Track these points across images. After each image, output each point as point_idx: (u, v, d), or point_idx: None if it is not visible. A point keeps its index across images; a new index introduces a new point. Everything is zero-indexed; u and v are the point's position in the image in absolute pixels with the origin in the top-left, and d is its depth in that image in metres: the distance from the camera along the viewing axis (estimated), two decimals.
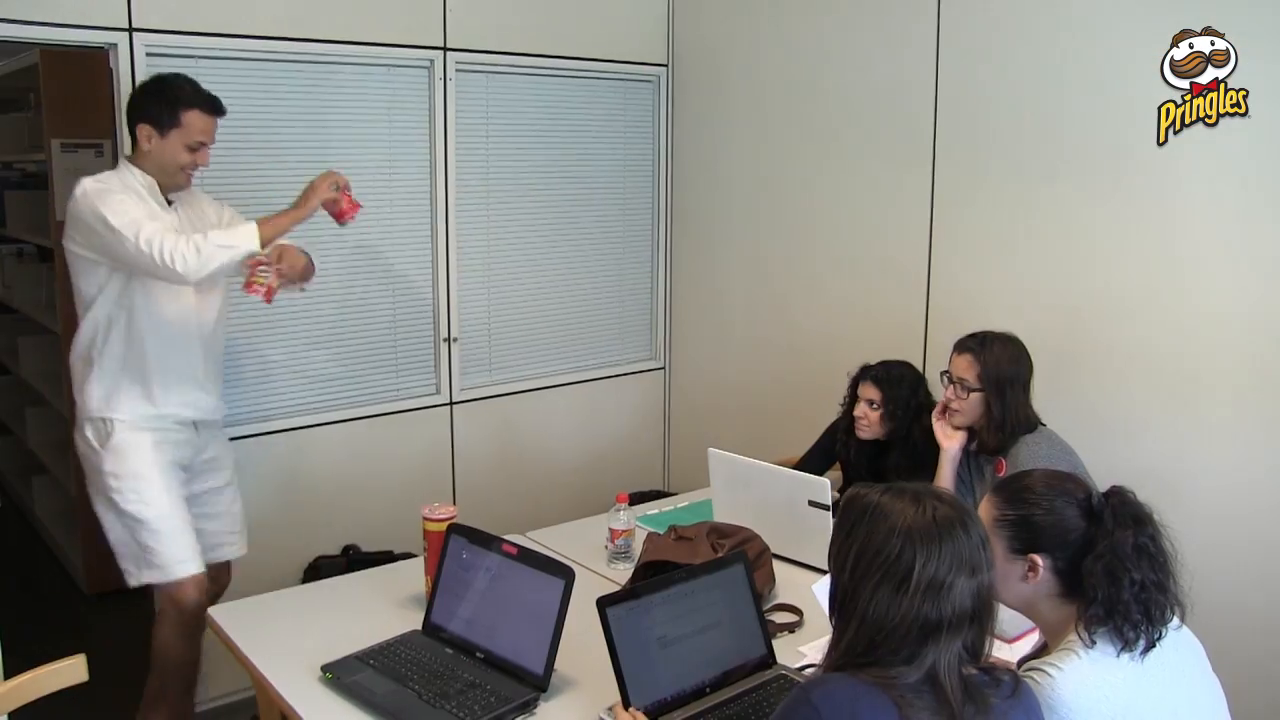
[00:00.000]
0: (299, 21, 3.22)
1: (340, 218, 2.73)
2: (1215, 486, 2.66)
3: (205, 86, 3.05)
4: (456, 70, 3.56)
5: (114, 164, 2.78)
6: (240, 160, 3.20)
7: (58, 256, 4.06)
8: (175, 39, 3.01)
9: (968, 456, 2.73)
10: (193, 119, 2.64)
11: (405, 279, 3.58)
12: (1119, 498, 1.66)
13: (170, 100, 2.64)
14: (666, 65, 4.15)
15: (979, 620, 1.40)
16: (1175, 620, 1.64)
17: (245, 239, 2.52)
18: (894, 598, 1.37)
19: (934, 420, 2.77)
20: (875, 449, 2.98)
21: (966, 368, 2.62)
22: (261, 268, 2.57)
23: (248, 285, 2.59)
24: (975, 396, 2.61)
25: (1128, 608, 1.58)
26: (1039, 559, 1.65)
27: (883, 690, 1.35)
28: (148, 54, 2.97)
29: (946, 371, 2.67)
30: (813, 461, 3.11)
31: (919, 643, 1.37)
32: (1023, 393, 2.60)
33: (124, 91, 2.94)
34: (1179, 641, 1.68)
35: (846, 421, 3.01)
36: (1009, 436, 2.58)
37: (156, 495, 2.68)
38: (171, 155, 2.64)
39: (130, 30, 2.94)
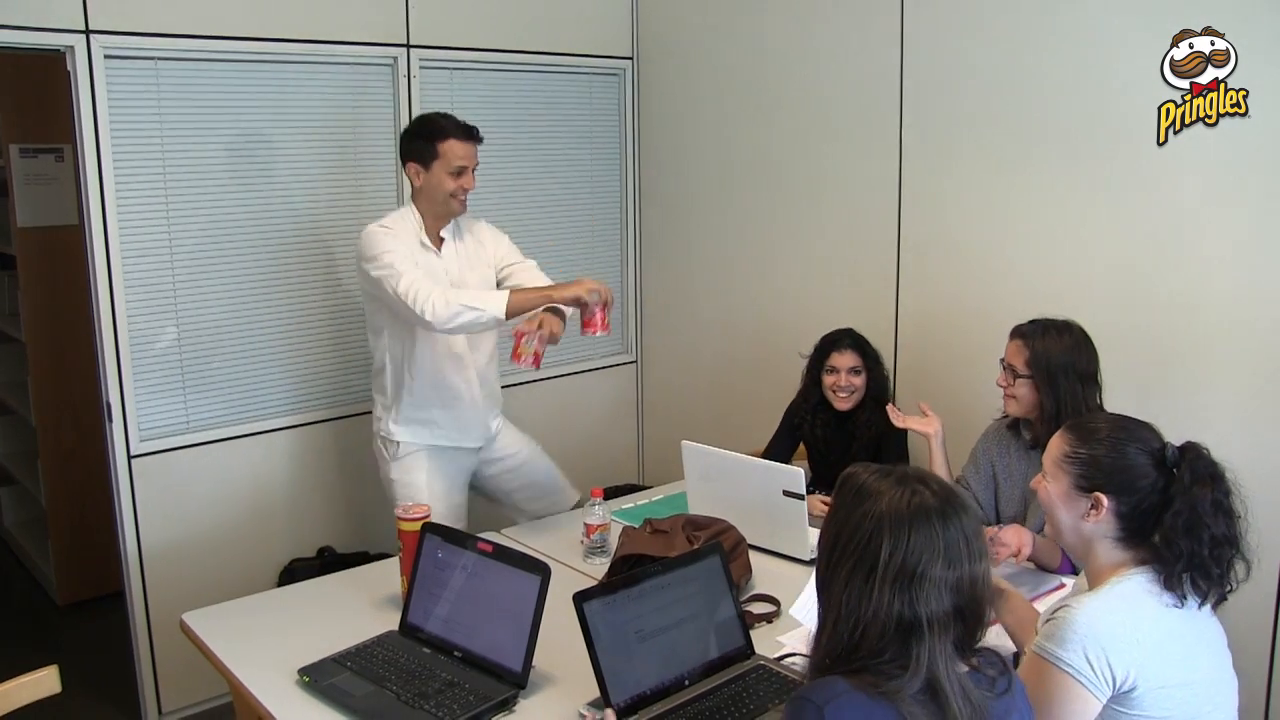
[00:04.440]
0: (260, 21, 3.19)
1: (585, 326, 2.80)
2: None
3: (166, 88, 3.07)
4: (420, 67, 3.54)
5: (75, 170, 2.78)
6: (203, 162, 3.17)
7: (20, 263, 4.02)
8: (134, 41, 2.98)
9: (1025, 451, 2.61)
10: (450, 147, 2.82)
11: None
12: (1195, 453, 1.69)
13: (427, 135, 2.84)
14: (632, 58, 4.14)
15: (964, 617, 1.35)
16: (1245, 577, 1.70)
17: (493, 306, 2.67)
18: (865, 587, 1.34)
19: (888, 409, 2.79)
20: (839, 420, 3.03)
21: (1016, 353, 2.53)
22: (525, 338, 2.73)
23: (515, 355, 2.75)
24: (1024, 384, 2.51)
25: (1205, 562, 1.63)
26: (1104, 498, 1.69)
27: (891, 705, 1.31)
28: (105, 56, 2.94)
29: (1003, 358, 2.59)
30: (780, 446, 3.13)
31: (901, 642, 1.33)
32: (1080, 384, 2.46)
33: (83, 94, 2.91)
34: (1209, 611, 1.73)
35: (816, 397, 3.04)
36: None
37: (425, 501, 2.76)
38: (438, 185, 2.83)
39: (87, 32, 2.90)
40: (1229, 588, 1.68)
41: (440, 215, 2.90)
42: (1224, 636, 1.76)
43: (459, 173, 2.83)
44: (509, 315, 2.69)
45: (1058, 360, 2.47)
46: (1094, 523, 1.71)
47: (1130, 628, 1.62)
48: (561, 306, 2.81)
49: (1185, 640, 1.66)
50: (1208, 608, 1.70)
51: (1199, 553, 1.63)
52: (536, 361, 2.75)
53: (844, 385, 2.98)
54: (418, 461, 2.99)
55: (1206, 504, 1.64)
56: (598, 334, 2.79)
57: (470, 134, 2.87)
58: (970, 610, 1.36)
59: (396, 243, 2.76)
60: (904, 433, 2.98)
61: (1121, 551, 1.71)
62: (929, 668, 1.32)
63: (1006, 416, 2.65)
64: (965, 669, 1.37)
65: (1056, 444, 1.77)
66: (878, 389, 3.02)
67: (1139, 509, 1.69)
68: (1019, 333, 2.56)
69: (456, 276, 2.89)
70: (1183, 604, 1.65)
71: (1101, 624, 1.61)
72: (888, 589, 1.33)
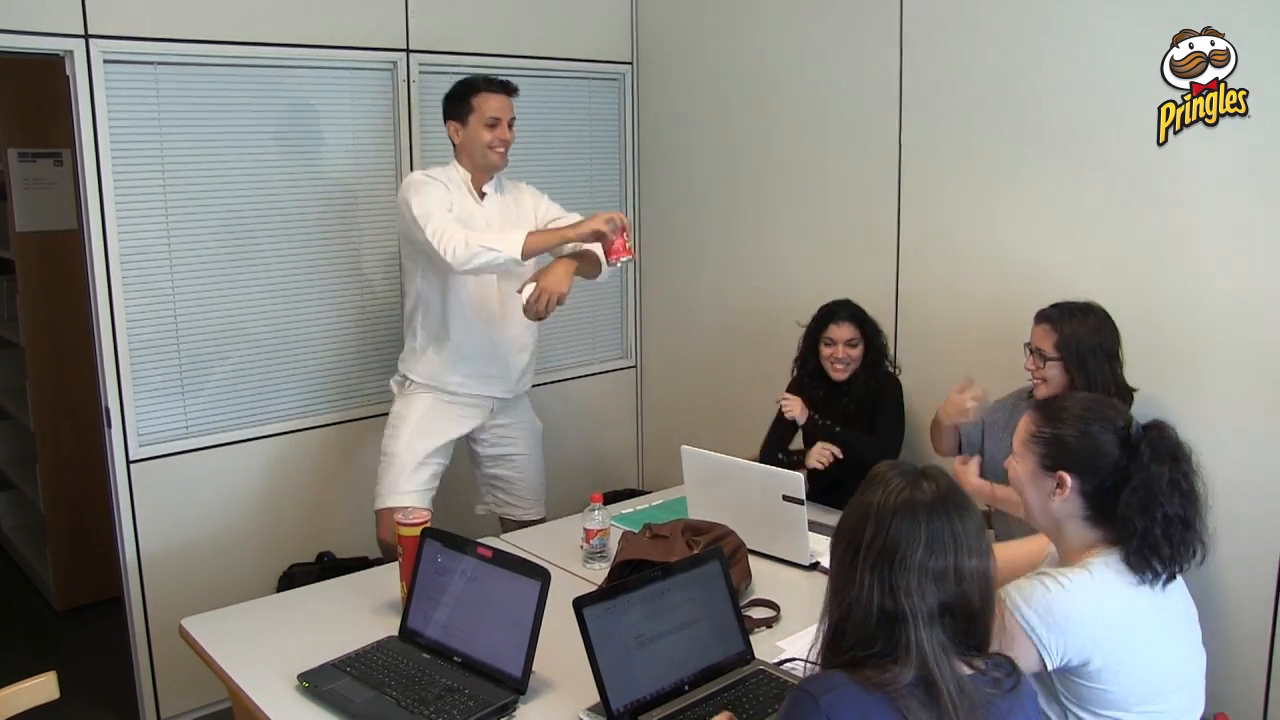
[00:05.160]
0: (259, 25, 3.19)
1: (609, 254, 2.87)
2: (1212, 482, 2.63)
3: (165, 93, 3.07)
4: (420, 72, 3.54)
5: (74, 174, 2.80)
6: (202, 167, 3.17)
7: (19, 268, 4.02)
8: (133, 45, 2.98)
9: None
10: (482, 100, 2.93)
11: (374, 283, 3.56)
12: (1158, 431, 1.71)
13: (461, 92, 2.96)
14: (631, 63, 4.14)
15: (952, 613, 1.36)
16: (1198, 558, 1.71)
17: (509, 246, 2.73)
18: (850, 570, 1.38)
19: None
20: (831, 392, 3.08)
21: (1044, 337, 2.55)
22: (529, 310, 2.82)
23: (527, 313, 2.85)
24: (1054, 366, 2.53)
25: (1157, 540, 1.65)
26: (1068, 478, 1.71)
27: (889, 700, 1.32)
28: (105, 61, 2.94)
29: (1028, 343, 2.61)
30: (778, 432, 3.16)
31: (887, 632, 1.34)
32: (1108, 363, 2.50)
33: (82, 99, 2.91)
34: (1180, 588, 1.76)
35: (812, 365, 3.10)
36: None
37: (404, 434, 3.03)
38: (475, 137, 2.94)
39: (86, 37, 2.90)
40: (1179, 567, 1.70)
41: (482, 168, 3.00)
42: (1194, 612, 1.79)
43: (493, 124, 2.93)
44: (525, 255, 2.75)
45: (1086, 342, 2.51)
46: (1060, 501, 1.73)
47: (1093, 608, 1.65)
48: (586, 245, 2.89)
49: (1150, 621, 1.70)
50: (1179, 585, 1.74)
51: (1151, 530, 1.65)
52: (543, 315, 2.84)
53: (840, 357, 3.03)
54: (420, 399, 3.08)
55: (1163, 482, 1.66)
56: (622, 260, 2.86)
57: (504, 86, 2.97)
58: (960, 606, 1.36)
59: (435, 187, 2.87)
60: (898, 397, 3.02)
61: (1090, 531, 1.74)
62: (919, 659, 1.33)
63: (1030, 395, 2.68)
64: (968, 671, 1.37)
65: (1025, 423, 1.80)
66: (875, 356, 3.07)
67: (1103, 488, 1.71)
68: (1044, 317, 2.58)
69: (498, 227, 2.96)
70: (1151, 583, 1.68)
71: (1067, 605, 1.64)
72: (869, 573, 1.36)
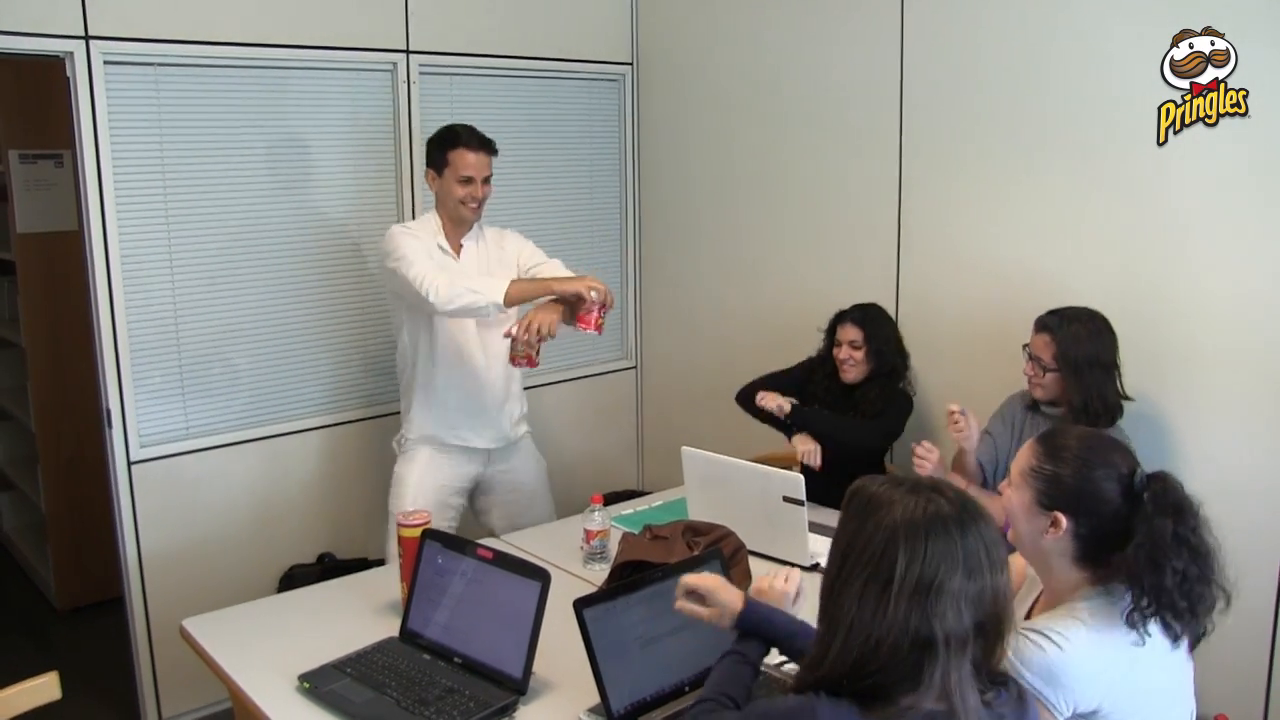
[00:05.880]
0: (259, 27, 3.19)
1: (578, 319, 2.80)
2: (1212, 484, 2.63)
3: (165, 94, 3.07)
4: (420, 73, 3.54)
5: (75, 175, 2.81)
6: (202, 167, 3.17)
7: (20, 269, 4.02)
8: (133, 46, 2.98)
9: (1038, 429, 2.58)
10: (459, 156, 2.93)
11: (374, 284, 3.55)
12: (1161, 484, 1.62)
13: (441, 144, 2.97)
14: (631, 64, 4.14)
15: (984, 633, 1.28)
16: (1220, 607, 1.61)
17: (493, 291, 2.76)
18: (879, 603, 1.26)
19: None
20: (845, 390, 3.10)
21: (1043, 347, 2.56)
22: (516, 342, 2.78)
23: (512, 359, 2.83)
24: (1053, 377, 2.55)
25: (1171, 597, 1.56)
26: (1063, 519, 1.64)
27: None
28: (105, 62, 2.94)
29: (1027, 345, 2.63)
30: (782, 382, 3.21)
31: (914, 662, 1.26)
32: (1104, 374, 2.52)
33: (82, 100, 2.92)
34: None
35: (830, 365, 3.12)
36: (1091, 423, 2.44)
37: (408, 496, 3.01)
38: (449, 191, 2.96)
39: (87, 38, 2.91)
40: (1204, 630, 1.61)
41: (456, 221, 3.00)
42: (1190, 672, 1.71)
43: (467, 181, 2.93)
44: (509, 303, 2.76)
45: (1084, 353, 2.52)
46: (1052, 540, 1.66)
47: (1095, 660, 1.58)
48: (560, 300, 2.82)
49: (1145, 655, 1.62)
50: (1181, 649, 1.65)
51: (1165, 588, 1.56)
52: (530, 362, 2.81)
53: (844, 358, 3.06)
54: (417, 456, 3.07)
55: (1167, 536, 1.57)
56: (589, 331, 2.79)
57: (483, 145, 2.96)
58: (991, 626, 1.29)
59: (413, 239, 2.88)
60: (905, 413, 3.01)
61: (1078, 571, 1.67)
62: (943, 689, 1.26)
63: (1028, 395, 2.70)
64: (981, 698, 1.31)
65: (1026, 454, 1.73)
66: (881, 366, 3.05)
67: (1099, 533, 1.63)
68: (1044, 325, 2.59)
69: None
70: (1143, 643, 1.58)
71: (1068, 665, 1.56)
72: (904, 603, 1.25)
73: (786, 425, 3.05)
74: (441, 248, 2.96)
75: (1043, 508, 1.67)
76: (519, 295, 2.79)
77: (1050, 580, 1.73)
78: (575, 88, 4.04)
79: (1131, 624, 1.58)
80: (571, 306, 2.82)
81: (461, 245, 3.02)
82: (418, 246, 2.86)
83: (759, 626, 1.67)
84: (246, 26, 3.17)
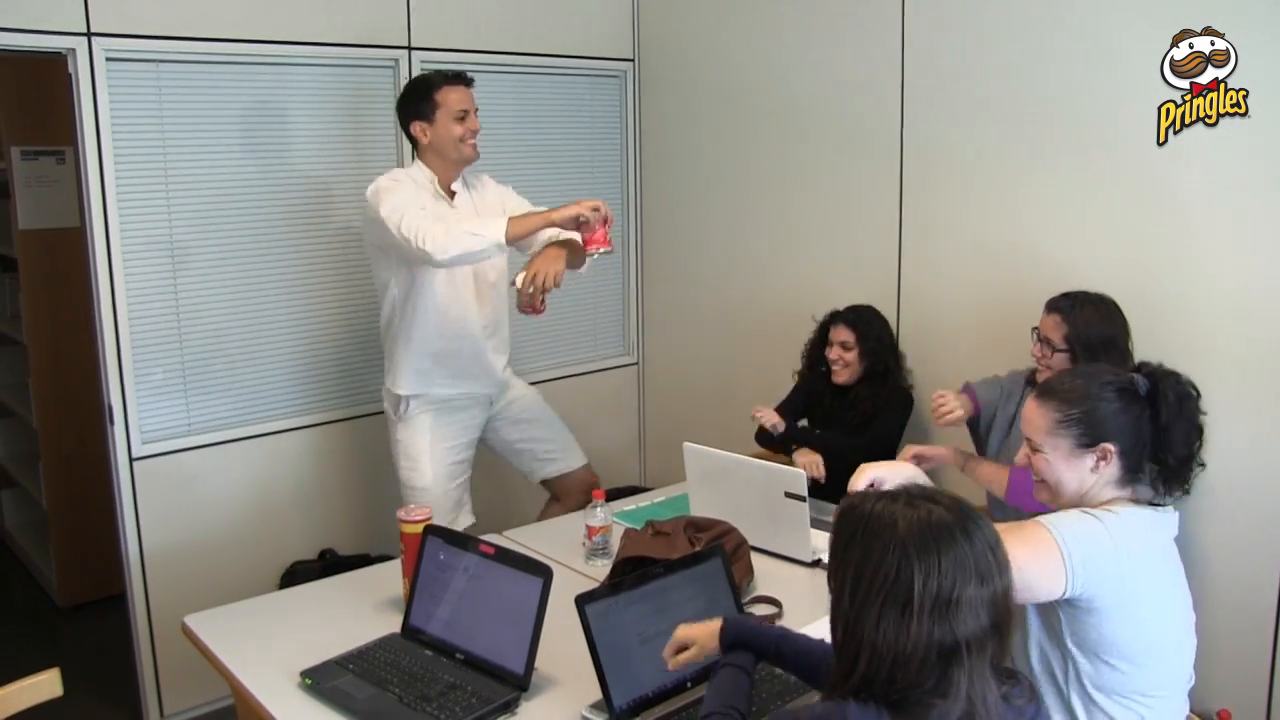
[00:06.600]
0: (261, 23, 3.19)
1: (587, 244, 2.76)
2: (1212, 483, 2.64)
3: (167, 91, 3.08)
4: (422, 69, 3.53)
5: (77, 172, 2.79)
6: (204, 164, 3.17)
7: (21, 265, 4.02)
8: (135, 43, 2.98)
9: None
10: (445, 95, 2.90)
11: (374, 281, 3.55)
12: (1165, 374, 1.83)
13: (422, 91, 2.92)
14: (633, 60, 4.14)
15: (1000, 631, 1.31)
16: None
17: (492, 231, 2.67)
18: (901, 623, 1.27)
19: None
20: (838, 390, 3.12)
21: (1054, 328, 2.55)
22: (523, 294, 2.76)
23: (520, 308, 2.82)
24: (1061, 357, 2.53)
25: (1191, 466, 1.82)
26: (1111, 447, 1.78)
27: None
28: (108, 59, 2.94)
29: (1036, 328, 2.61)
30: (792, 403, 3.23)
31: (941, 668, 1.27)
32: (1119, 357, 2.49)
33: (84, 96, 2.92)
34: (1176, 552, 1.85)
35: (824, 365, 3.15)
36: None
37: (425, 467, 3.03)
38: (446, 133, 2.90)
39: (89, 35, 2.90)
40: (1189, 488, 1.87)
41: (454, 164, 2.96)
42: (1184, 573, 1.86)
43: (462, 116, 2.91)
44: (509, 240, 2.69)
45: (1096, 335, 2.52)
46: (1105, 469, 1.79)
47: (1116, 547, 1.70)
48: (568, 234, 2.81)
49: (1158, 568, 1.77)
50: (1176, 550, 1.83)
51: (1190, 460, 1.82)
52: (536, 310, 2.81)
53: (834, 358, 3.08)
54: (422, 423, 3.05)
55: (1195, 415, 1.82)
56: (600, 250, 2.76)
57: (462, 78, 2.95)
58: (1004, 622, 1.32)
59: (403, 189, 2.80)
60: (901, 415, 3.01)
61: (1119, 489, 1.80)
62: (968, 695, 1.28)
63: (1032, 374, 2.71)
64: (998, 694, 1.33)
65: (1041, 414, 1.83)
66: (874, 367, 3.07)
67: (1139, 441, 1.79)
68: (1055, 307, 2.59)
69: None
70: (1171, 503, 1.81)
71: (1101, 541, 1.70)
72: (926, 619, 1.26)
73: (786, 442, 3.07)
74: (437, 194, 2.92)
75: (1085, 447, 1.79)
76: (518, 232, 2.70)
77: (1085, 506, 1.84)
78: (576, 84, 4.04)
79: (1160, 488, 1.83)
80: (573, 248, 2.81)
81: (454, 192, 2.98)
82: (409, 197, 2.77)
83: (742, 637, 1.73)
84: (249, 23, 3.17)
